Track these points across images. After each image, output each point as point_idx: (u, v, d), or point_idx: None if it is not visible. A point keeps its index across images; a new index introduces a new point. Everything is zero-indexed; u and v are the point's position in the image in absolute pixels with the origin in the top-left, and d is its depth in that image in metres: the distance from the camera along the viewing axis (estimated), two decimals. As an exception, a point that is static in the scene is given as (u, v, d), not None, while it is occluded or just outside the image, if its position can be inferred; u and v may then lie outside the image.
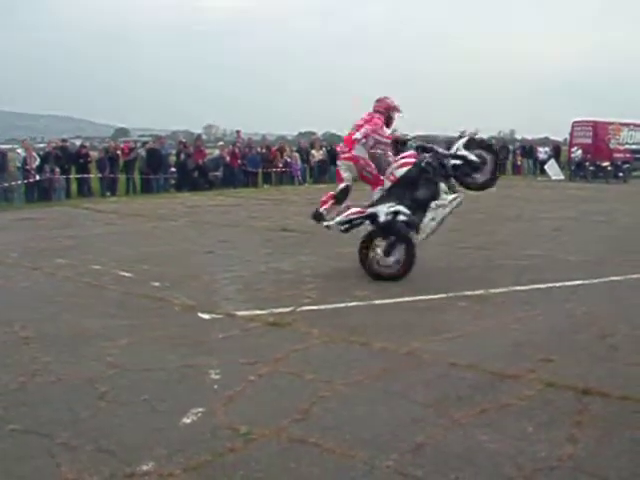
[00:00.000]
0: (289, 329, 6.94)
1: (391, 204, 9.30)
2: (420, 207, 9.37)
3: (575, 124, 39.75)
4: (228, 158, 29.08)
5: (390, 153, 10.35)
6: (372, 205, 9.51)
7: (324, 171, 32.12)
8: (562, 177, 36.87)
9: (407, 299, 8.27)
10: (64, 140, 29.04)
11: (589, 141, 38.27)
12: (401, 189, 9.46)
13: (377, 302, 8.13)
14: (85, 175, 25.65)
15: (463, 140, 9.81)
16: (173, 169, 28.06)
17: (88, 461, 4.11)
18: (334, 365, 5.84)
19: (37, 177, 23.22)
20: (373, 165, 10.38)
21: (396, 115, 10.77)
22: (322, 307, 7.90)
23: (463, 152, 9.56)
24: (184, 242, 13.26)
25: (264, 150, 31.62)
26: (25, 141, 26.52)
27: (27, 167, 23.22)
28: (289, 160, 31.39)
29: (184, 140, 31.95)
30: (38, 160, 23.77)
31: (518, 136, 64.39)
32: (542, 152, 41.22)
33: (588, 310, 7.70)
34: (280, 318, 7.29)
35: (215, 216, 18.00)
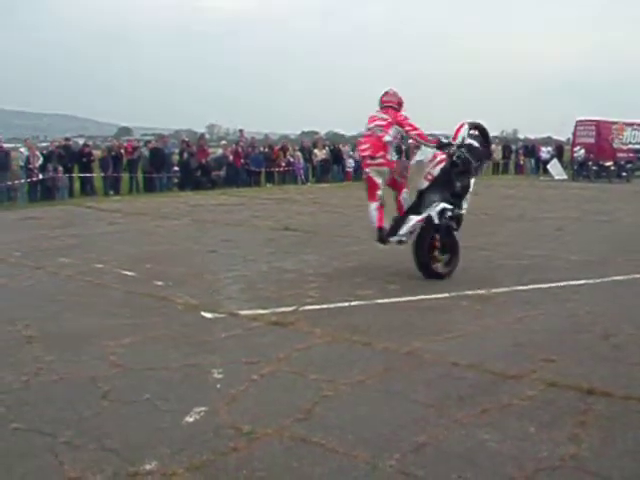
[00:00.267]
0: (292, 328, 6.95)
1: (436, 203, 9.42)
2: (457, 200, 9.61)
3: (578, 123, 39.69)
4: (231, 157, 29.09)
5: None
6: (415, 207, 9.60)
7: (327, 170, 32.17)
8: (565, 177, 36.86)
9: (409, 299, 8.28)
10: (67, 139, 29.14)
11: (592, 141, 38.22)
12: (439, 186, 9.55)
13: (379, 302, 8.14)
14: (88, 174, 25.67)
15: (466, 128, 9.80)
16: (176, 168, 28.08)
17: (91, 460, 4.12)
18: (336, 365, 5.85)
19: (40, 176, 23.22)
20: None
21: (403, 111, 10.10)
22: (324, 306, 7.91)
23: (469, 141, 9.68)
24: (187, 241, 13.27)
25: (267, 149, 31.65)
26: (28, 140, 26.55)
27: (30, 166, 23.21)
28: (292, 159, 31.40)
29: (187, 139, 32.03)
30: (41, 159, 23.78)
31: (521, 135, 64.54)
32: (545, 152, 41.23)
33: (591, 310, 7.70)
34: (283, 317, 7.30)
35: (218, 215, 18.01)
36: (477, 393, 5.18)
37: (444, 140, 9.71)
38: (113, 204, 21.31)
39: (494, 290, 8.63)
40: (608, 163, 35.32)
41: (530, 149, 42.15)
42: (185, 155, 28.15)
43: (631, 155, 38.88)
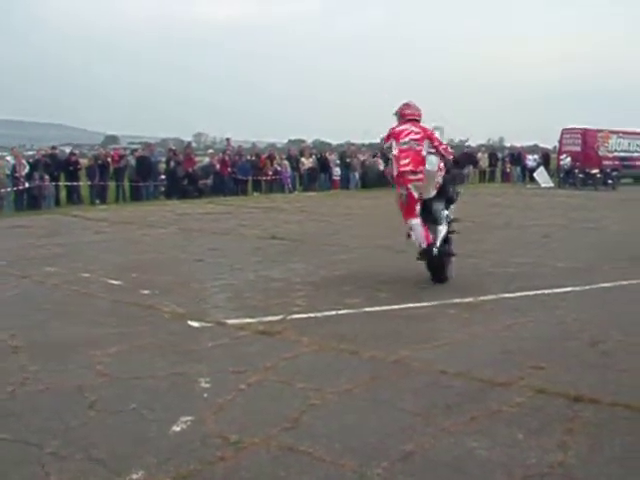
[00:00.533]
0: (279, 337, 6.93)
1: (442, 210, 9.76)
2: (450, 205, 10.01)
3: (564, 131, 39.92)
4: (218, 166, 29.10)
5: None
6: (424, 215, 9.69)
7: (314, 179, 32.21)
8: (551, 184, 37.02)
9: (396, 307, 8.26)
10: (54, 147, 29.09)
11: (578, 148, 38.45)
12: (441, 194, 9.78)
13: (367, 310, 8.12)
14: (75, 183, 25.60)
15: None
16: (163, 177, 28.06)
17: (77, 470, 4.09)
18: (323, 373, 5.83)
19: (26, 185, 23.19)
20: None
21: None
22: (312, 315, 7.88)
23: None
24: (173, 250, 13.24)
25: (254, 158, 31.68)
26: (14, 149, 26.51)
27: (16, 175, 23.18)
28: (279, 168, 31.42)
29: (174, 148, 32.01)
30: (27, 167, 23.73)
31: (507, 143, 64.78)
32: (531, 160, 41.41)
33: (578, 317, 7.71)
34: (270, 326, 7.28)
35: (205, 224, 17.99)
36: (465, 401, 5.17)
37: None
38: (99, 213, 21.27)
39: (482, 298, 8.63)
40: (594, 171, 35.50)
41: (516, 157, 42.31)
42: (172, 164, 28.15)
43: (617, 163, 39.12)
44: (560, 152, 39.58)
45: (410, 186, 9.38)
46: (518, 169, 41.63)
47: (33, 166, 24.14)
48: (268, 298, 8.78)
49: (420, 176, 9.34)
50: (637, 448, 4.33)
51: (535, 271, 10.59)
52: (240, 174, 29.75)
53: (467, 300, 8.52)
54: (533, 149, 49.84)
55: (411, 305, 8.34)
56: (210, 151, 36.48)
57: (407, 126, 9.54)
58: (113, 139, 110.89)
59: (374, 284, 9.56)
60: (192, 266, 11.36)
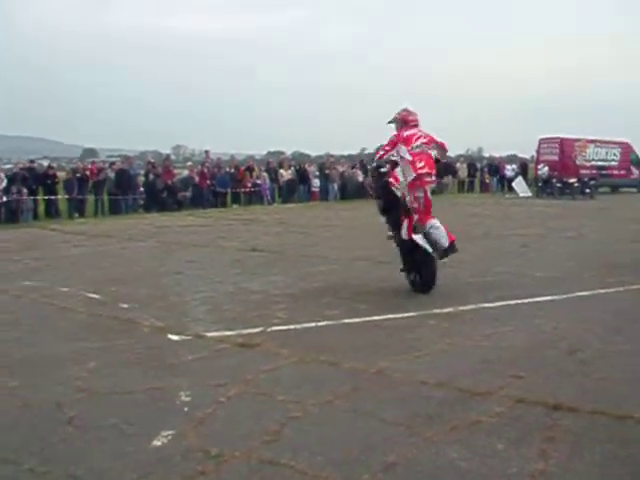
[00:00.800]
0: (259, 350, 6.91)
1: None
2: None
3: (542, 141, 40.21)
4: (197, 178, 29.12)
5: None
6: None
7: (293, 190, 32.27)
8: (529, 194, 37.28)
9: (376, 318, 8.26)
10: (31, 161, 28.94)
11: (556, 158, 38.74)
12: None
13: (347, 321, 8.12)
14: (53, 196, 25.48)
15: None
16: (142, 189, 27.98)
17: (56, 487, 4.05)
18: (304, 385, 5.82)
19: (4, 198, 23.07)
20: None
21: None
22: (291, 327, 7.87)
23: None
24: (152, 263, 13.20)
25: (233, 170, 31.68)
26: (-8, 163, 26.37)
27: (-7, 188, 23.03)
28: (258, 180, 31.43)
29: (153, 160, 32.00)
30: (5, 181, 23.61)
31: (486, 154, 65.19)
32: (509, 169, 41.70)
33: (557, 326, 7.75)
34: (250, 339, 7.26)
35: (184, 237, 17.95)
36: (446, 411, 5.17)
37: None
38: (78, 226, 21.18)
39: (461, 308, 8.66)
40: (572, 180, 35.78)
41: (495, 167, 42.58)
42: (151, 176, 28.12)
43: (594, 172, 39.45)
44: (538, 162, 39.90)
45: (427, 188, 9.65)
46: (496, 179, 41.93)
47: (11, 179, 24.03)
48: (247, 310, 8.77)
49: (434, 179, 9.75)
50: (617, 455, 4.35)
51: (514, 280, 10.63)
52: (219, 186, 29.77)
53: (447, 310, 8.54)
54: (512, 159, 50.18)
55: (391, 316, 8.34)
56: (189, 163, 36.57)
57: (414, 131, 9.78)
58: (91, 152, 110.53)
59: (353, 295, 9.57)
60: (171, 279, 11.33)
